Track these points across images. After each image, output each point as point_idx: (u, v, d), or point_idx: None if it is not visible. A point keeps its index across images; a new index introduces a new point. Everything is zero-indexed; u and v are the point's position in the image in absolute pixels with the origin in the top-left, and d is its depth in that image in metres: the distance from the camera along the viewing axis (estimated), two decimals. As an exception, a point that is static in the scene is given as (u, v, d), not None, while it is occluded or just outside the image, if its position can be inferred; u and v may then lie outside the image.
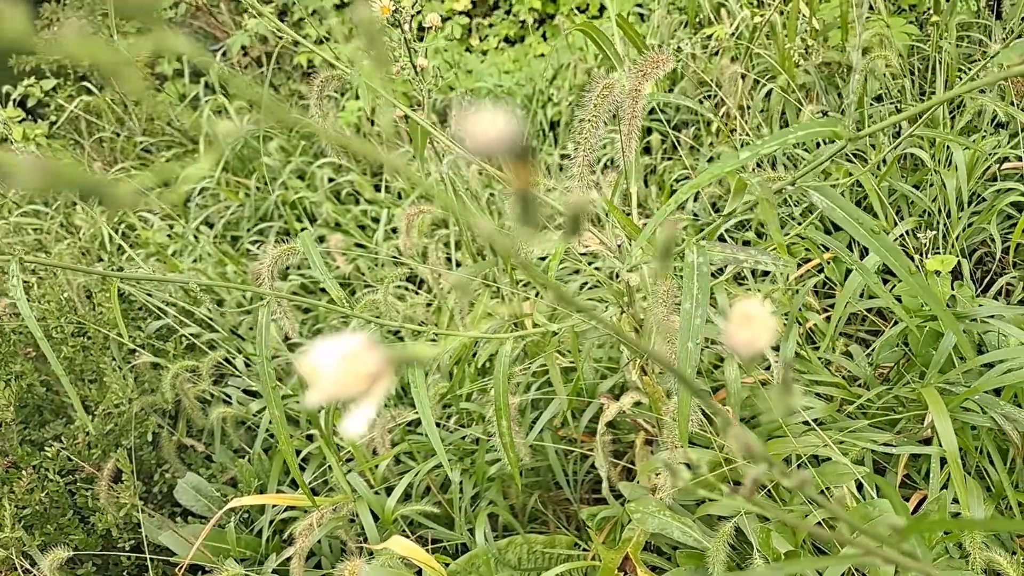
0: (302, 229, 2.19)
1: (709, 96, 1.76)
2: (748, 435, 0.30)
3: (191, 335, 1.62)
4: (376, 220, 2.11)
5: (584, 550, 1.31)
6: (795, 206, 1.55)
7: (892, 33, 1.61)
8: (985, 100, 1.34)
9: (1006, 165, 1.46)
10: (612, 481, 1.28)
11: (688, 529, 1.14)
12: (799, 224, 1.30)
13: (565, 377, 1.34)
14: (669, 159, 1.80)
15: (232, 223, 2.30)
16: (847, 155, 1.48)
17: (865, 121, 1.55)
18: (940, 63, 1.57)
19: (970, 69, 1.62)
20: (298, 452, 1.50)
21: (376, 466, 1.40)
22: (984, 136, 1.52)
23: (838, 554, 1.10)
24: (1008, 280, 1.41)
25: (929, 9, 1.81)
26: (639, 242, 0.80)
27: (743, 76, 1.57)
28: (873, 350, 1.36)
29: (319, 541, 1.39)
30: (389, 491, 1.35)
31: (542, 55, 2.51)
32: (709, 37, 1.69)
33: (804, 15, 1.59)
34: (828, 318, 1.36)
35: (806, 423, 1.19)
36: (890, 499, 1.01)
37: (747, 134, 1.59)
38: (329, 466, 1.40)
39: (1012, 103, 1.41)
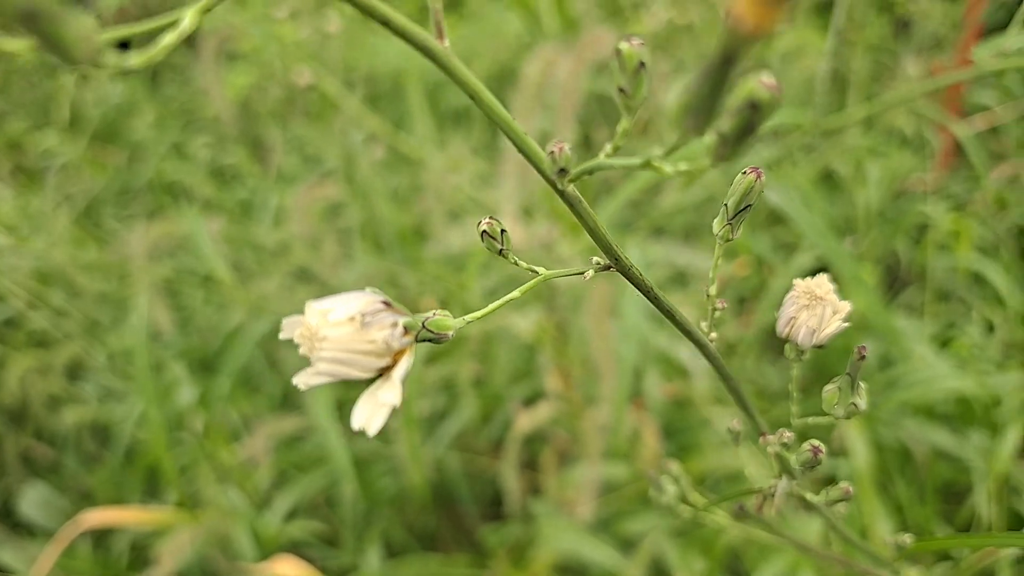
0: (180, 211, 1.99)
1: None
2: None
3: (41, 327, 1.42)
4: (260, 205, 1.93)
5: (485, 569, 1.22)
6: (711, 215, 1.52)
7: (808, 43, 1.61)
8: (901, 117, 1.35)
9: (912, 179, 1.48)
10: (519, 497, 1.19)
11: (602, 549, 1.07)
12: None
13: (472, 386, 1.24)
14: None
15: (96, 202, 2.07)
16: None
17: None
18: (850, 81, 1.58)
19: (879, 86, 1.64)
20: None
21: (256, 480, 1.26)
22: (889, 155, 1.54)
23: (756, 570, 1.06)
24: (911, 294, 1.43)
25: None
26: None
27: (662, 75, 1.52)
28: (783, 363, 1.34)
29: (188, 562, 1.24)
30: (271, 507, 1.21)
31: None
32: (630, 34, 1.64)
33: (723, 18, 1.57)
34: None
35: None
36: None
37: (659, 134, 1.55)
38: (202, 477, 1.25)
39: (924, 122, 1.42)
